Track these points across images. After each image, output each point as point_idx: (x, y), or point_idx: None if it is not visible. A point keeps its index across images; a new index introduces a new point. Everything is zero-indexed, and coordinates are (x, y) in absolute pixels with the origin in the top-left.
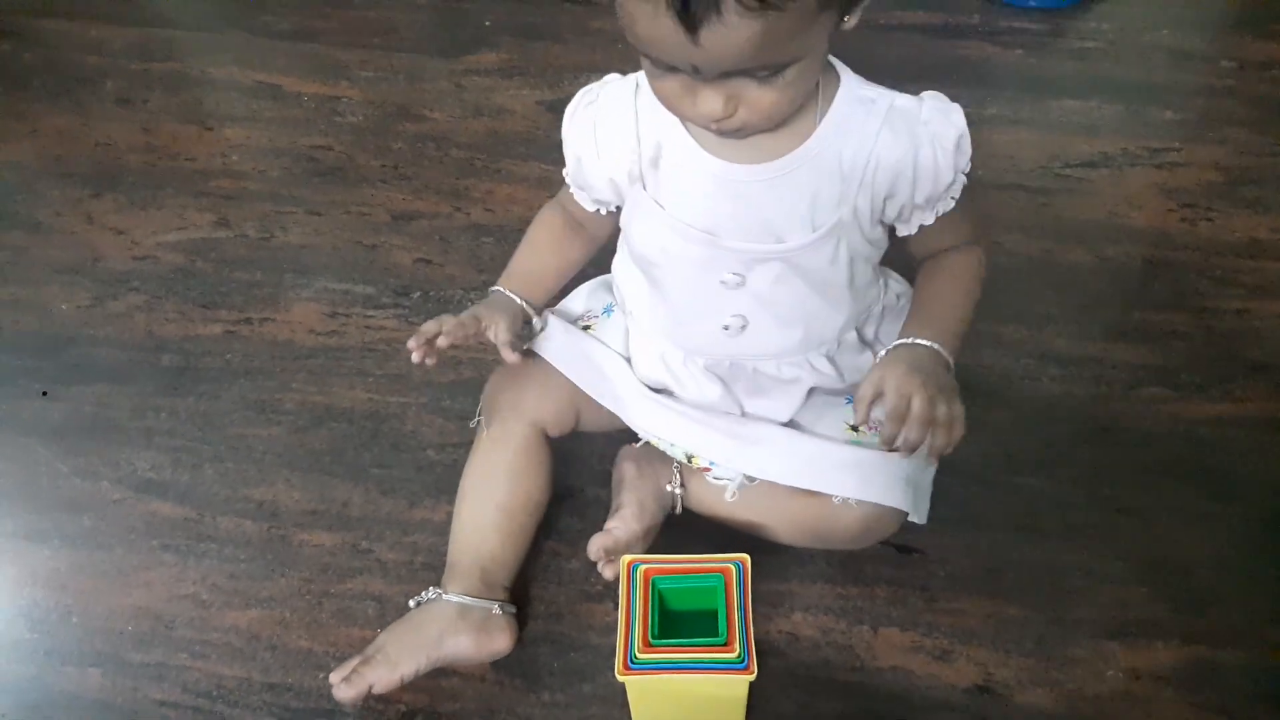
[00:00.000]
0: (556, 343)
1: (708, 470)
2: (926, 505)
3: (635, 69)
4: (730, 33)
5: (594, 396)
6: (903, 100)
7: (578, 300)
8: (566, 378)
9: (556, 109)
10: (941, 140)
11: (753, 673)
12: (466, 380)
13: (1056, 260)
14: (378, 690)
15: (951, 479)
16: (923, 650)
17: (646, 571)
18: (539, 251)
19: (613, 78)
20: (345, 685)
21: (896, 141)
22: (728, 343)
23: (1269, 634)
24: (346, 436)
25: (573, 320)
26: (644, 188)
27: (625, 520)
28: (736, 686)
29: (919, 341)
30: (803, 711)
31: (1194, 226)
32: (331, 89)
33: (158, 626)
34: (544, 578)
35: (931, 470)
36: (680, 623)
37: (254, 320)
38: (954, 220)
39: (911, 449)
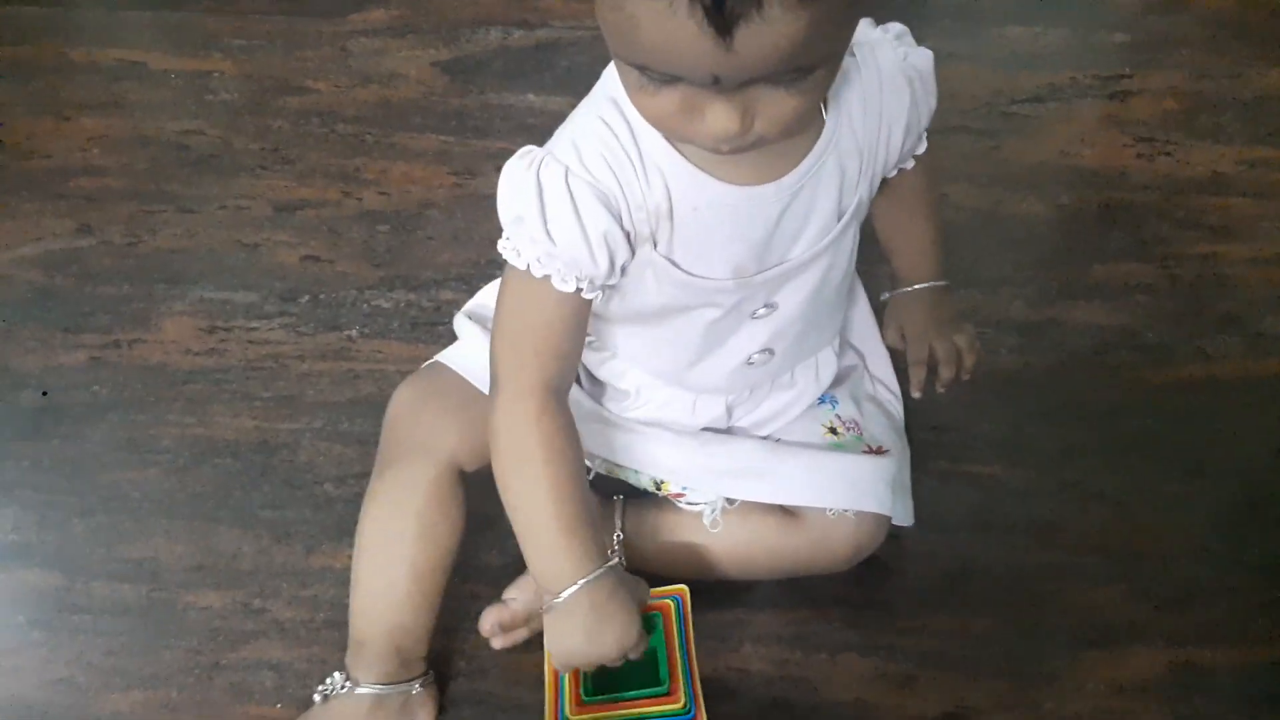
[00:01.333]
0: (482, 364)
1: (679, 496)
2: (911, 506)
3: (550, 32)
4: (771, 30)
5: None
6: (882, 48)
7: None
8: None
9: (454, 70)
10: (923, 69)
11: None
12: (366, 397)
13: (1008, 212)
14: None
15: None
16: (885, 677)
17: None
18: (571, 486)
19: (569, 128)
20: None
21: (899, 92)
22: (749, 374)
23: (1256, 628)
24: (232, 475)
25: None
26: (655, 246)
27: (525, 589)
28: None
29: (917, 287)
30: None
31: (1152, 163)
32: (201, 63)
33: (30, 717)
34: (463, 628)
35: (908, 467)
36: (616, 670)
37: (123, 343)
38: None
39: (946, 387)
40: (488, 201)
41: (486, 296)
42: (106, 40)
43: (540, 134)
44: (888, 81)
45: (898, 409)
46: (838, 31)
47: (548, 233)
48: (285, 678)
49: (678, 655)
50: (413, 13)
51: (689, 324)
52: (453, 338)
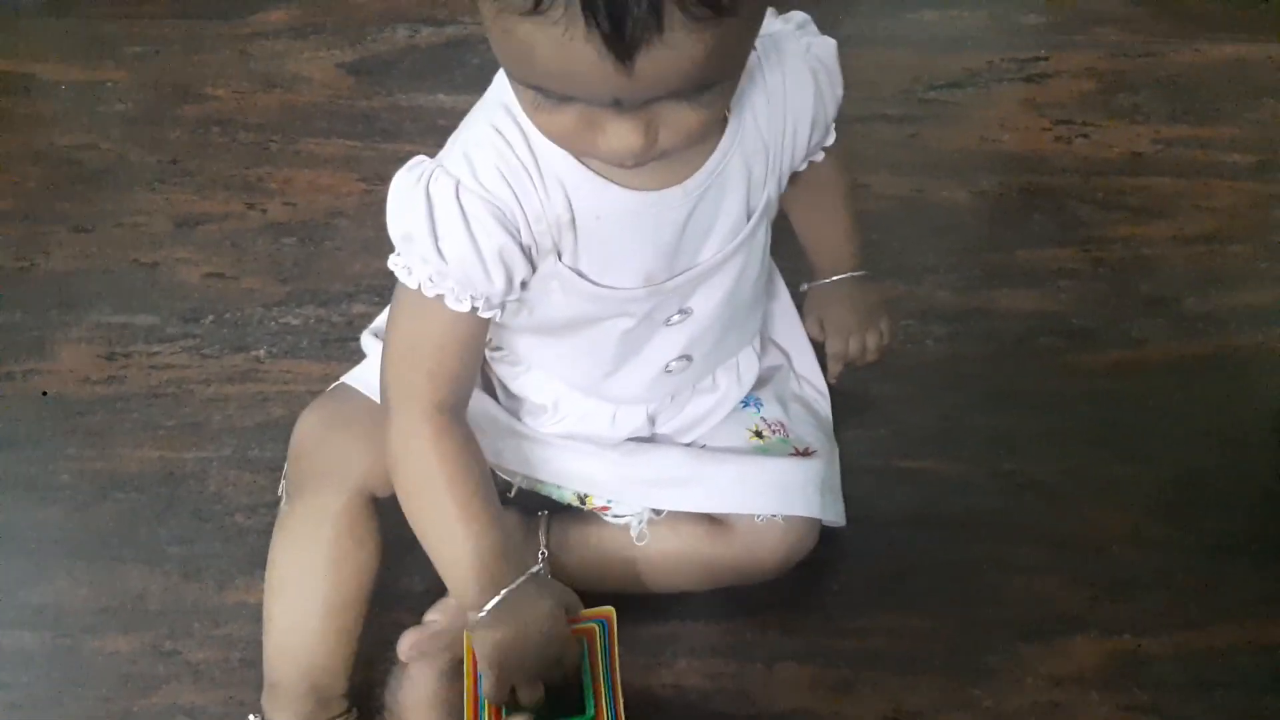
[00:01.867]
0: None
1: (605, 510)
2: (842, 507)
3: (459, 29)
4: (672, 53)
5: None
6: (785, 41)
7: None
8: None
9: (359, 71)
10: (827, 59)
11: None
12: (276, 421)
13: (929, 199)
14: None
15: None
16: (823, 684)
17: None
18: (482, 511)
19: (460, 138)
20: None
21: (803, 86)
22: (668, 382)
23: (1193, 613)
24: (137, 509)
25: None
26: (559, 257)
27: (448, 610)
28: None
29: (836, 278)
30: None
31: (1070, 145)
32: (94, 73)
33: None
34: (387, 657)
35: (837, 467)
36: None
37: (15, 374)
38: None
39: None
40: None
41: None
42: None
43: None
44: (791, 76)
45: (825, 407)
46: (739, 46)
47: (439, 251)
48: None
49: (602, 684)
50: (316, 12)
51: (602, 334)
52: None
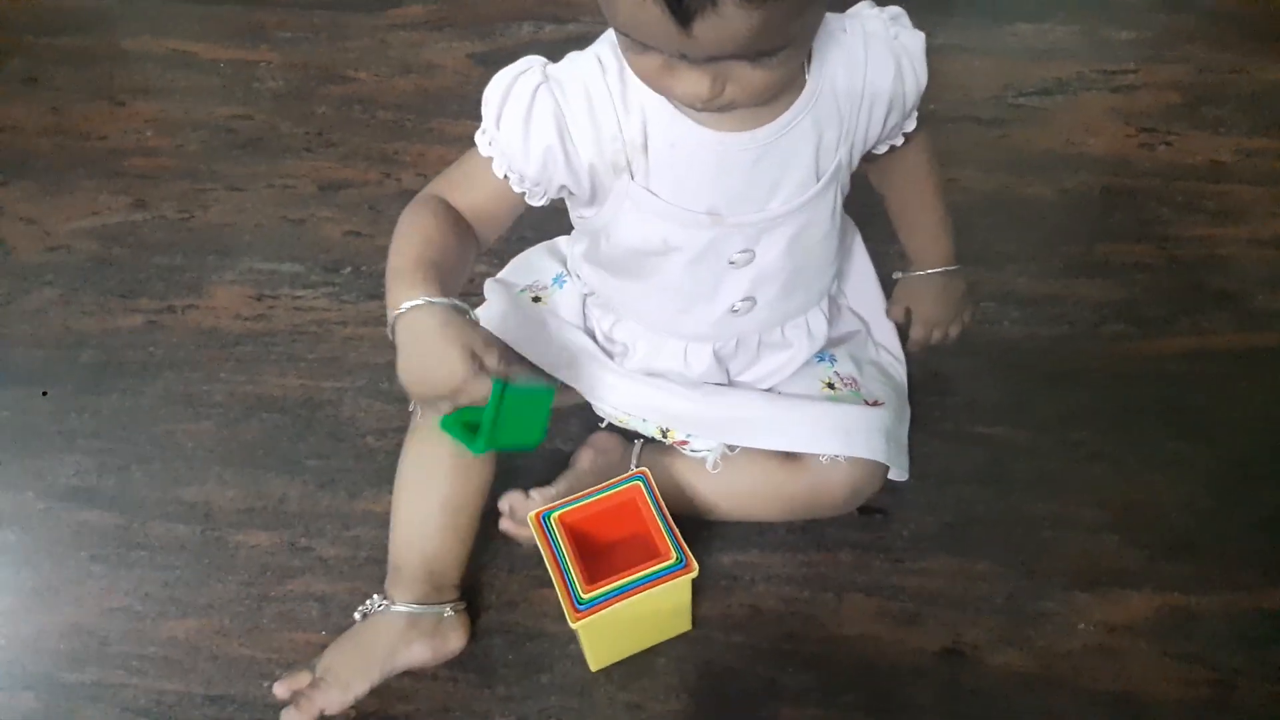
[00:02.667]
0: (507, 317)
1: (684, 444)
2: (906, 460)
3: (581, 27)
4: (726, 24)
5: (555, 376)
6: (872, 23)
7: (520, 270)
8: (520, 358)
9: (488, 62)
10: (913, 49)
11: (694, 568)
12: None
13: (1014, 195)
14: (330, 713)
15: (912, 433)
16: (889, 615)
17: (560, 517)
18: (440, 244)
19: (571, 57)
20: (295, 712)
21: (884, 66)
22: (734, 322)
23: (1243, 577)
24: (280, 427)
25: (522, 290)
26: (632, 177)
27: (546, 496)
28: (681, 590)
29: (929, 271)
30: (770, 687)
31: (1153, 151)
32: (249, 53)
33: (91, 643)
34: (494, 565)
35: (906, 424)
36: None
37: (177, 308)
38: (916, 130)
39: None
40: None
41: (514, 263)
42: (159, 31)
43: None
44: (874, 56)
45: (900, 373)
46: (796, 21)
47: (498, 124)
48: (329, 608)
49: (659, 524)
50: (449, 8)
51: (671, 266)
52: None
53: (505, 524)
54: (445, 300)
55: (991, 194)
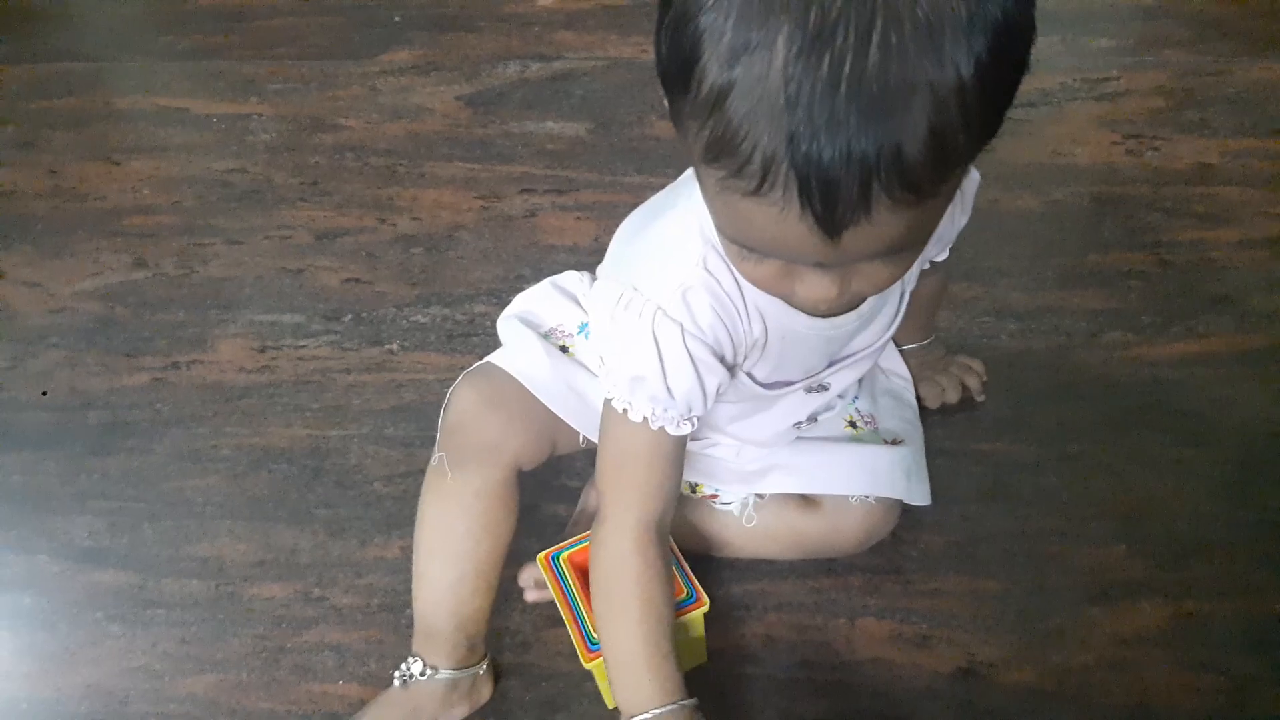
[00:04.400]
0: (544, 370)
1: (714, 497)
2: (928, 488)
3: (566, 64)
4: (877, 230)
5: (588, 435)
6: None
7: (542, 308)
8: (542, 406)
9: (476, 103)
10: (966, 196)
11: (705, 603)
12: (408, 405)
13: (1004, 209)
14: None
15: None
16: (902, 638)
17: (569, 557)
18: (668, 615)
19: (676, 279)
20: None
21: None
22: (793, 434)
23: (1253, 579)
24: (288, 478)
25: (543, 335)
26: (741, 365)
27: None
28: (694, 625)
29: (906, 347)
30: (786, 718)
31: (1140, 158)
32: (240, 107)
33: (111, 703)
34: (506, 606)
35: (923, 451)
36: None
37: (181, 364)
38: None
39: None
40: (513, 222)
41: (524, 301)
42: (150, 89)
43: (560, 158)
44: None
45: (909, 393)
46: (937, 217)
47: (668, 390)
48: (345, 657)
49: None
50: (436, 52)
51: (751, 410)
52: (486, 347)
53: (531, 596)
54: (686, 702)
55: (981, 209)
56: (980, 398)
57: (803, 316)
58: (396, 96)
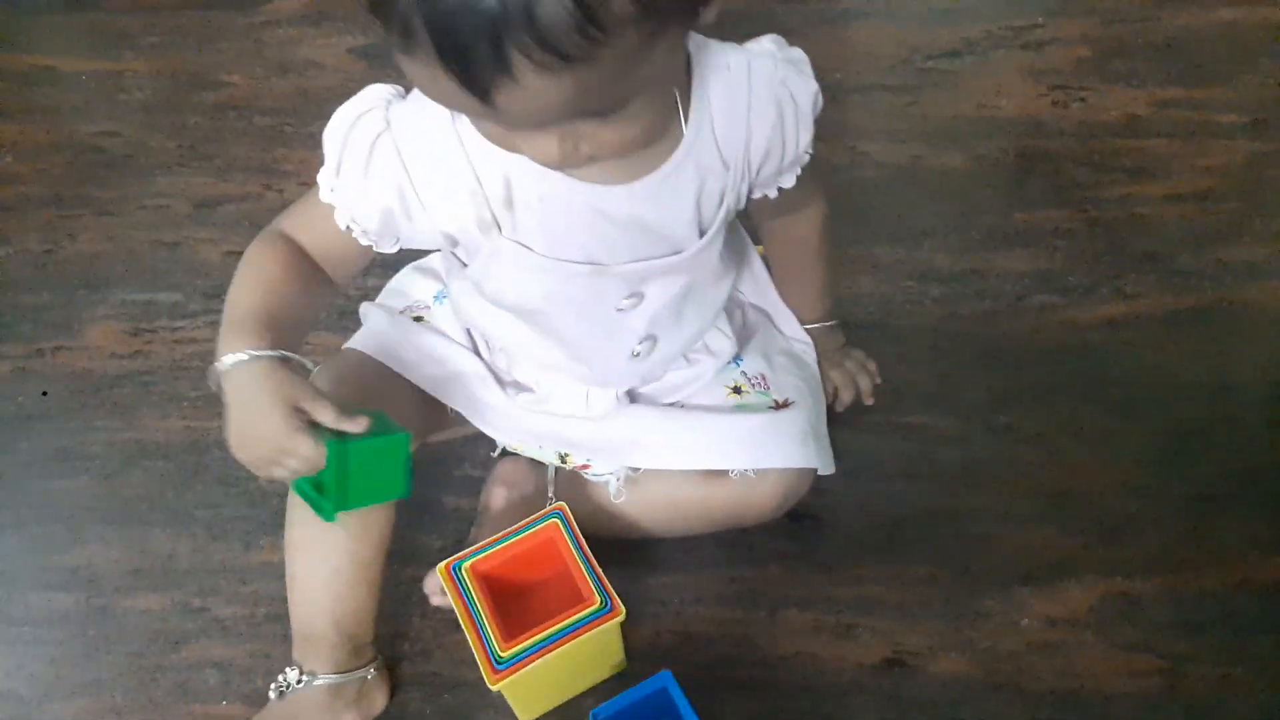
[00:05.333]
0: (383, 337)
1: (585, 468)
2: (830, 454)
3: None
4: (533, 95)
5: (447, 403)
6: (758, 61)
7: (403, 287)
8: (406, 383)
9: (372, 55)
10: (800, 99)
11: (620, 612)
12: None
13: (927, 166)
14: None
15: (837, 429)
16: (825, 629)
17: (472, 566)
18: (280, 291)
19: (419, 104)
20: None
21: (765, 112)
22: (638, 366)
23: (1183, 554)
24: (165, 476)
25: (402, 310)
26: (500, 232)
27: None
28: (609, 635)
29: (812, 327)
30: (707, 717)
31: (1066, 110)
32: (114, 64)
33: None
34: (404, 611)
35: (824, 414)
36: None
37: (45, 351)
38: (804, 178)
39: (843, 408)
40: None
41: (394, 283)
42: (14, 46)
43: None
44: (757, 100)
45: (811, 357)
46: (631, 73)
47: (337, 171)
48: (230, 675)
49: (580, 565)
50: (325, 0)
51: (556, 317)
52: None
53: (436, 600)
54: (271, 353)
55: (904, 166)
56: (869, 401)
57: (558, 175)
58: (283, 49)
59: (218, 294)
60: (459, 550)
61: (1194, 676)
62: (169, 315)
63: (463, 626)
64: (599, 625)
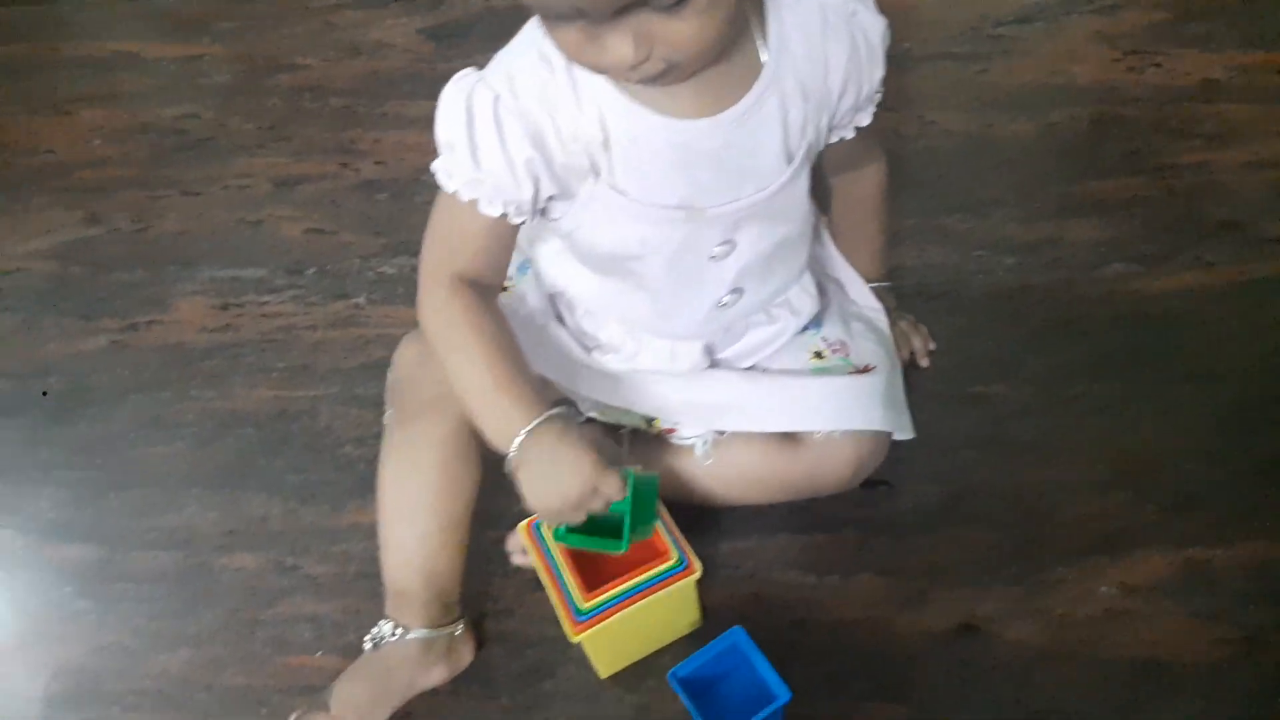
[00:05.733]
0: None
1: (671, 432)
2: (908, 419)
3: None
4: None
5: (538, 369)
6: None
7: None
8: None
9: (440, 36)
10: (870, 33)
11: (696, 569)
12: (377, 361)
13: (998, 135)
14: None
15: (908, 397)
16: (898, 595)
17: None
18: (504, 343)
19: (506, 57)
20: None
21: (841, 42)
22: (721, 316)
23: (1259, 524)
24: (255, 443)
25: None
26: (597, 177)
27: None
28: (686, 592)
29: (875, 286)
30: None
31: (1141, 75)
32: (192, 48)
33: (84, 682)
34: (487, 571)
35: (900, 381)
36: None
37: (139, 326)
38: (871, 129)
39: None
40: None
41: None
42: (98, 34)
43: None
44: (831, 31)
45: (884, 324)
46: None
47: (475, 160)
48: (323, 628)
49: (659, 524)
50: None
51: (650, 267)
52: None
53: (518, 560)
54: (554, 410)
55: (974, 135)
56: (924, 362)
57: (649, 112)
58: (354, 32)
59: (299, 269)
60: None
61: (1272, 645)
62: (255, 290)
63: (543, 582)
64: (677, 581)
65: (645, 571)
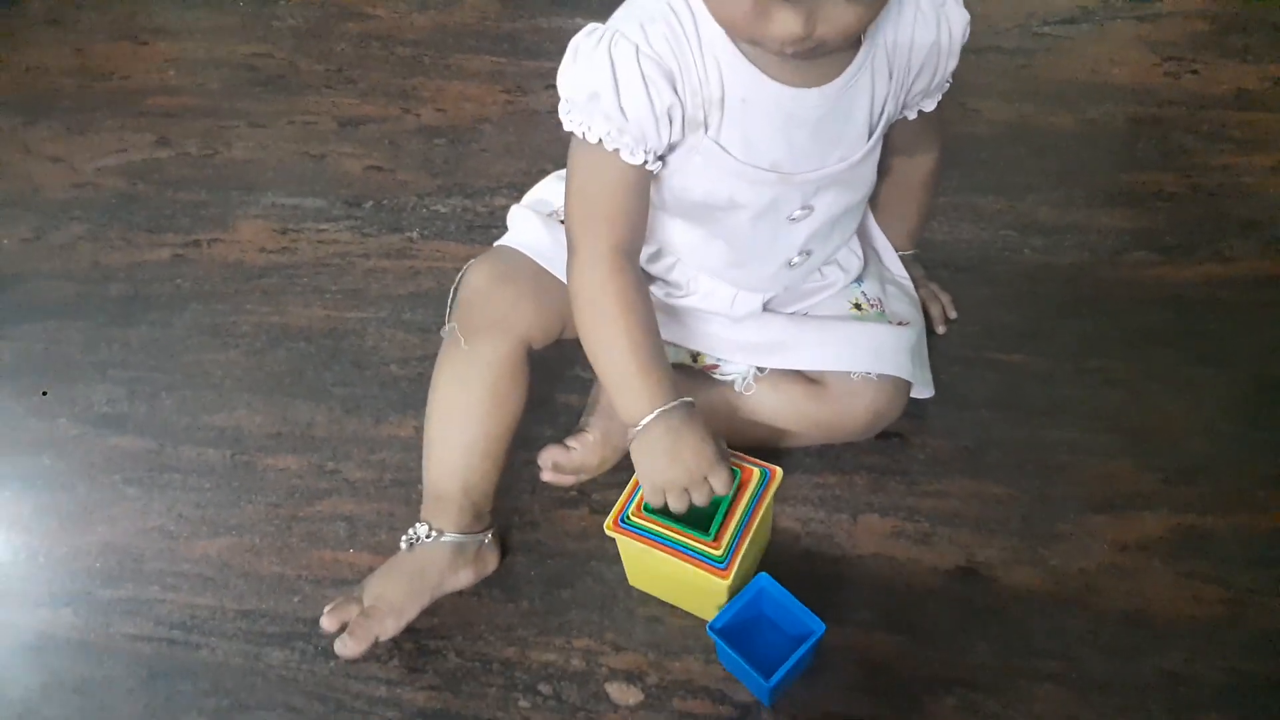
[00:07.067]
0: (540, 240)
1: (713, 368)
2: (930, 377)
3: None
4: None
5: None
6: None
7: (548, 194)
8: (552, 280)
9: None
10: (954, 26)
11: (728, 577)
12: (425, 291)
13: (1036, 125)
14: (383, 639)
15: (930, 359)
16: (904, 535)
17: (635, 510)
18: (650, 324)
19: (633, 10)
20: (352, 641)
21: (927, 26)
22: (787, 275)
23: (1258, 498)
24: (306, 356)
25: (549, 215)
26: (705, 131)
27: (585, 444)
28: (715, 584)
29: (906, 254)
30: None
31: (1179, 80)
32: None
33: (126, 561)
34: (517, 487)
35: (925, 344)
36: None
37: (202, 242)
38: (934, 117)
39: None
40: (539, 117)
41: (538, 192)
42: None
43: None
44: (921, 15)
45: (913, 291)
46: None
47: (621, 109)
48: (357, 528)
49: (737, 517)
50: None
51: (733, 221)
52: None
53: (548, 476)
54: (685, 399)
55: (1013, 124)
56: (941, 329)
57: (764, 77)
58: None
59: (357, 202)
60: (565, 438)
61: (1258, 608)
62: (314, 218)
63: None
64: (707, 570)
65: (692, 540)
